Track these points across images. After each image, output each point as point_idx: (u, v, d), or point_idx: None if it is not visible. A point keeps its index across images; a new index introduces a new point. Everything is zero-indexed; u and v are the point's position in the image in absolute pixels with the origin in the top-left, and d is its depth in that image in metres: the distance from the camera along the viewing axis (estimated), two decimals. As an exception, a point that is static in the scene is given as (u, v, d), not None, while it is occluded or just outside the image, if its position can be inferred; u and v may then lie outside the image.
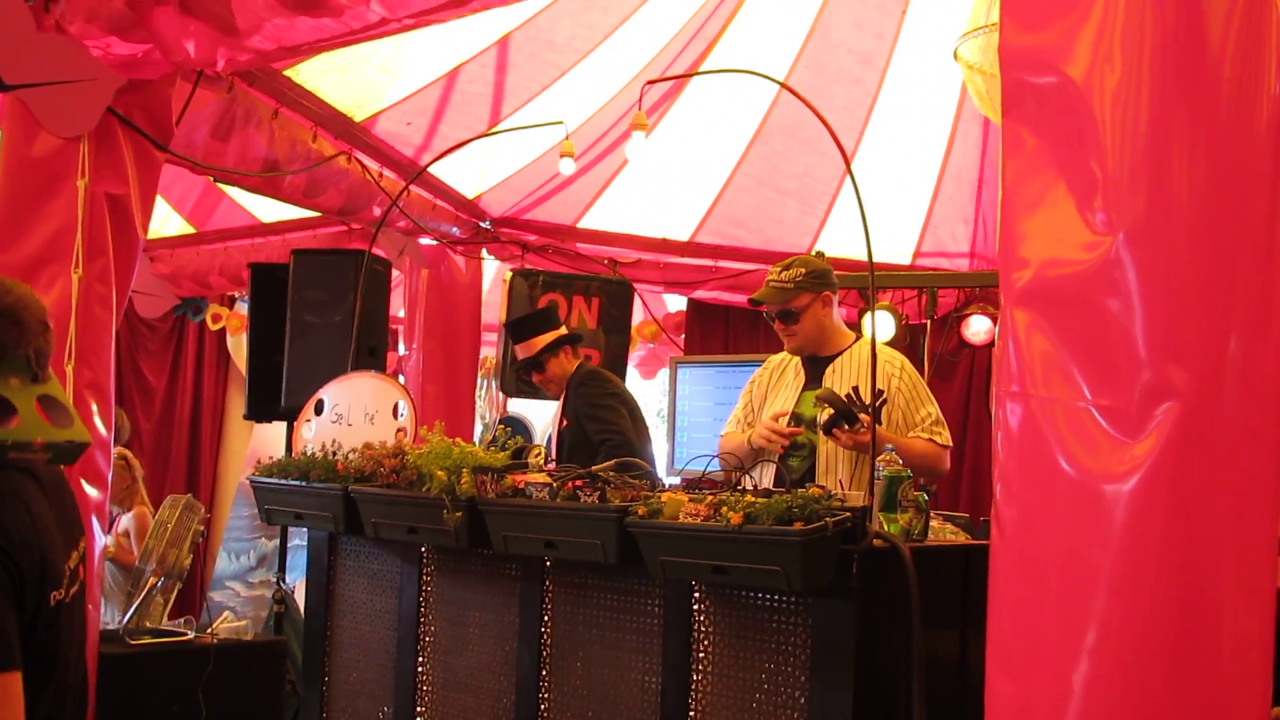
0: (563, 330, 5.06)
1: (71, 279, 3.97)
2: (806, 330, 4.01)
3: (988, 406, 7.60)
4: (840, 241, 7.54)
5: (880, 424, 3.85)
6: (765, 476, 3.86)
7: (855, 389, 3.88)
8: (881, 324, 6.84)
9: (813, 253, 7.41)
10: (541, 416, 12.28)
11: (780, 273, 4.02)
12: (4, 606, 2.06)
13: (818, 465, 3.88)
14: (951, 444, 3.97)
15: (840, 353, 4.05)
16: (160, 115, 4.27)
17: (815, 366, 4.06)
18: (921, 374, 6.98)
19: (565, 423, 4.86)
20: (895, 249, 7.88)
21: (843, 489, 3.60)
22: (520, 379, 6.68)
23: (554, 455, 4.94)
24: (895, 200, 7.49)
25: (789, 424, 3.95)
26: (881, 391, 3.85)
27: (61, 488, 2.40)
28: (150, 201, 4.40)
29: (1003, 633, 2.21)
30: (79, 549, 2.37)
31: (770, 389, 4.17)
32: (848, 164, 3.48)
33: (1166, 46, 2.02)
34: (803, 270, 4.00)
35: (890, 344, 6.90)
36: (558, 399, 5.19)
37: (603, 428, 4.74)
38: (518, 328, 5.14)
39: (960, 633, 3.17)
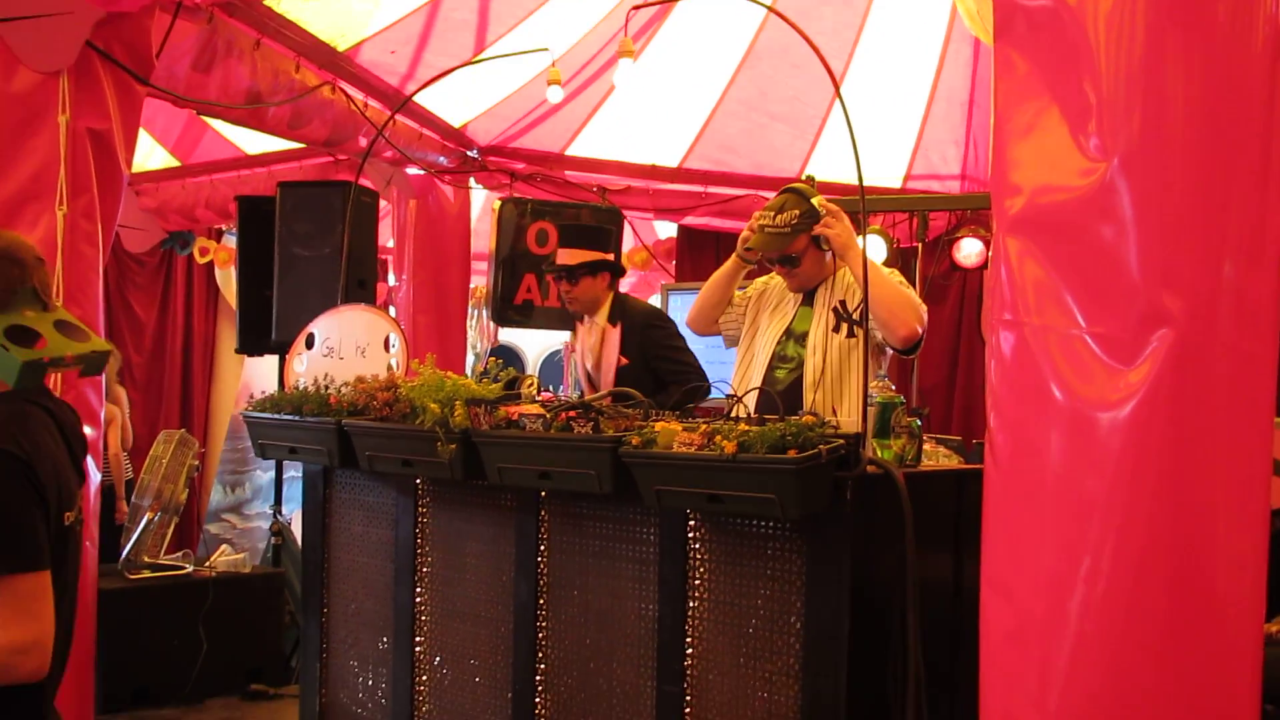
0: (609, 256, 5.00)
1: (56, 216, 3.93)
2: (806, 269, 4.00)
3: (979, 329, 7.62)
4: (831, 165, 7.50)
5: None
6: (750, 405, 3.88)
7: (842, 302, 3.91)
8: (873, 248, 6.82)
9: (803, 176, 7.38)
10: (533, 346, 12.29)
11: (775, 216, 3.95)
12: (34, 512, 2.23)
13: (805, 379, 3.89)
14: (925, 312, 3.86)
15: (827, 279, 4.04)
16: (140, 48, 4.20)
17: (807, 292, 4.08)
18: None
19: (625, 360, 4.83)
20: (886, 172, 7.85)
21: (833, 412, 3.63)
22: (498, 298, 6.68)
23: (593, 385, 4.94)
24: (886, 123, 7.44)
25: (780, 337, 4.03)
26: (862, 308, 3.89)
27: (75, 428, 2.54)
28: (133, 136, 4.35)
29: (997, 559, 2.22)
30: (83, 491, 2.54)
31: (761, 306, 4.19)
32: (837, 89, 3.44)
33: (1162, -34, 1.99)
34: (796, 211, 3.93)
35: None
36: (575, 316, 5.13)
37: (679, 368, 4.81)
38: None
39: (954, 556, 3.20)
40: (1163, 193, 1.96)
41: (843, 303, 3.96)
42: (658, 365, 4.76)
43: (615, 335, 4.84)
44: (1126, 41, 2.00)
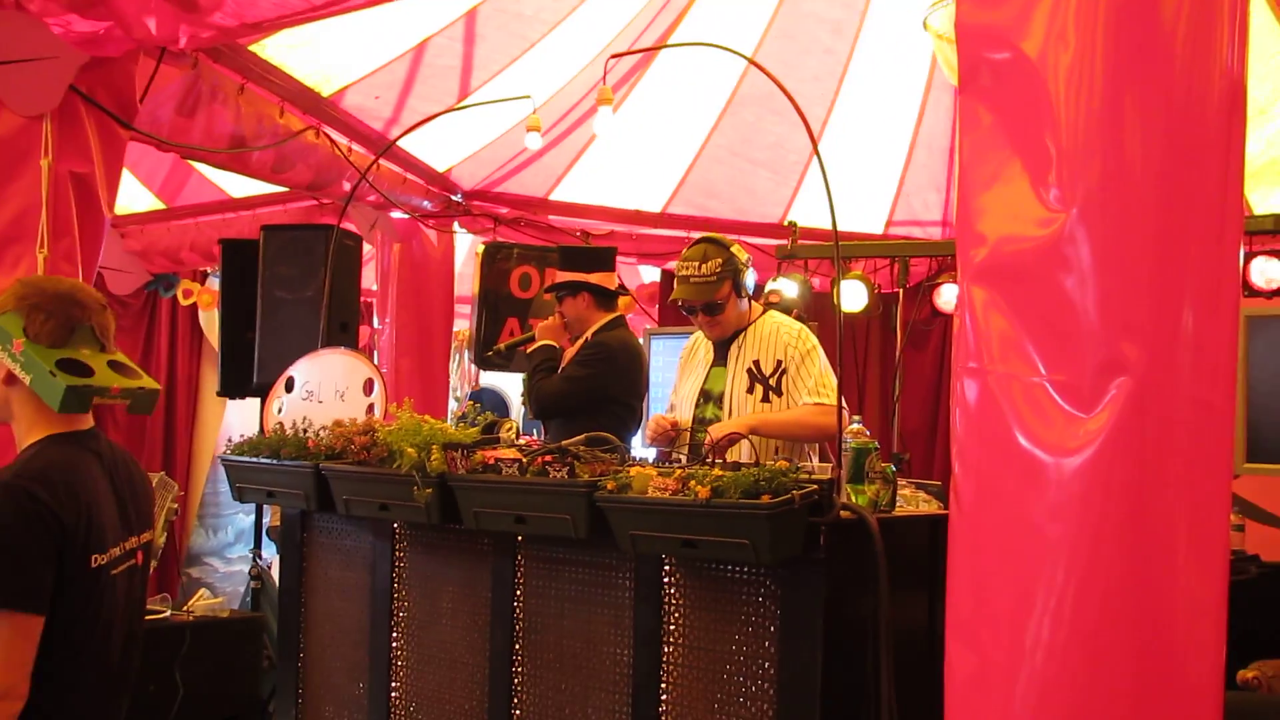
0: (593, 278, 4.78)
1: (37, 259, 3.93)
2: (728, 317, 4.05)
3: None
4: (813, 211, 7.55)
5: (781, 394, 3.91)
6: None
7: (756, 362, 3.95)
8: (854, 293, 6.86)
9: (785, 223, 7.44)
10: (517, 389, 12.26)
11: (700, 266, 3.99)
12: (46, 554, 2.20)
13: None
14: (828, 403, 3.81)
15: (744, 328, 4.09)
16: (124, 92, 4.23)
17: (722, 343, 4.12)
18: (895, 342, 7.02)
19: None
20: (868, 218, 7.91)
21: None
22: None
23: None
24: (867, 169, 7.51)
25: (698, 401, 4.07)
26: (780, 362, 3.97)
27: (132, 475, 2.58)
28: (115, 179, 4.36)
29: (960, 604, 2.23)
30: (140, 538, 2.56)
31: (682, 371, 4.25)
32: (814, 142, 3.48)
33: (1120, 22, 2.03)
34: (719, 260, 3.98)
35: (863, 313, 6.96)
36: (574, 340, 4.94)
37: (572, 373, 4.66)
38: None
39: (929, 601, 3.20)
40: (1120, 243, 1.99)
41: (756, 363, 3.98)
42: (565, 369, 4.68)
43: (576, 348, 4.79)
44: (1085, 95, 2.04)
